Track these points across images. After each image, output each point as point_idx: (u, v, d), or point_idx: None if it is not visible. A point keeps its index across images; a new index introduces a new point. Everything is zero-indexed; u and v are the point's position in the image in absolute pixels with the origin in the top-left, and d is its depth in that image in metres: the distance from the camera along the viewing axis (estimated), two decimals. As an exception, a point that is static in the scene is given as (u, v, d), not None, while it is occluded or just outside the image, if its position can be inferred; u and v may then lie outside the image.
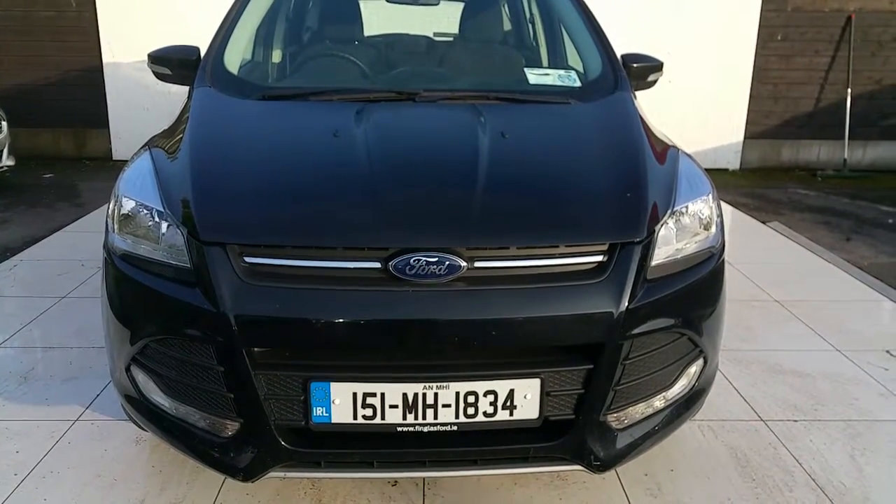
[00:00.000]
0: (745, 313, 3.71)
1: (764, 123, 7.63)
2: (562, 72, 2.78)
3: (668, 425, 1.99)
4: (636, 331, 1.79)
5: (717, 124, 7.55)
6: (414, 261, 1.71)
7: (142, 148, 2.36)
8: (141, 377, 1.96)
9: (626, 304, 1.77)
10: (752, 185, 7.07)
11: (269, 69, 3.27)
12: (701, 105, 7.44)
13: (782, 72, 7.52)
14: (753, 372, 3.08)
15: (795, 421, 2.70)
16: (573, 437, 1.81)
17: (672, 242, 1.92)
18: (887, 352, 3.29)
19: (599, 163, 2.11)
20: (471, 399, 1.75)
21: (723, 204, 6.10)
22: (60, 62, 7.36)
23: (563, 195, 1.97)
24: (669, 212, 1.94)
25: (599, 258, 1.80)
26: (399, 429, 1.76)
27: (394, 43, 3.44)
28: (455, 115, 2.39)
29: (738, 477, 2.36)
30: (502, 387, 1.75)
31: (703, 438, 2.57)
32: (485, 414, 1.76)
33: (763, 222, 5.61)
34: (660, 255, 1.87)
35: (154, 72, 2.83)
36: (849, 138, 7.41)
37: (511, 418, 1.78)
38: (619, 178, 2.02)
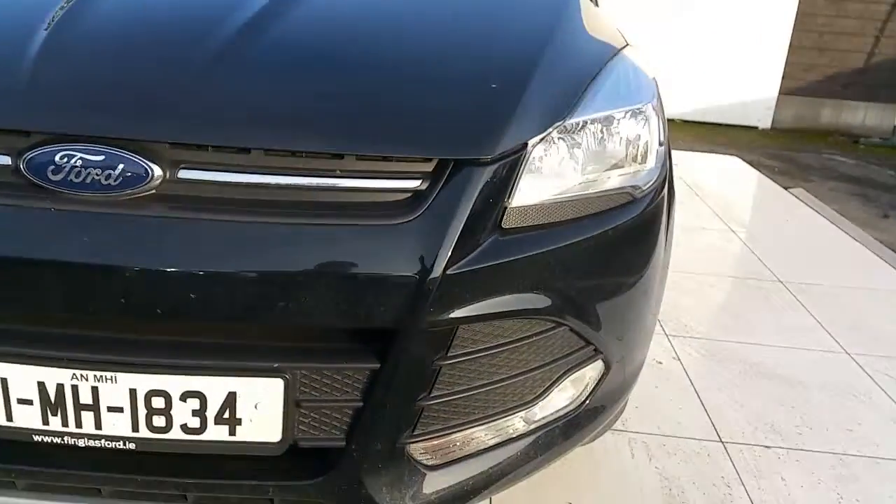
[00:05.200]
0: (737, 293, 2.94)
1: (803, 78, 6.63)
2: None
3: (529, 461, 1.25)
4: (462, 312, 1.04)
5: (748, 75, 6.54)
6: (63, 157, 0.97)
7: None
8: None
9: (445, 264, 1.02)
10: (780, 146, 6.13)
11: None
12: (731, 50, 6.44)
13: (831, 18, 6.48)
14: (728, 371, 2.31)
15: (768, 447, 1.95)
16: (341, 474, 1.09)
17: (566, 172, 1.15)
18: (913, 359, 2.50)
19: (459, 33, 1.32)
20: (157, 402, 1.02)
21: (740, 162, 5.38)
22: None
23: (371, 72, 1.17)
24: (566, 120, 1.16)
25: (414, 183, 1.04)
26: (37, 437, 1.05)
27: None
28: None
29: (664, 528, 1.63)
30: (214, 387, 1.02)
31: (629, 459, 1.84)
32: (185, 428, 1.04)
33: (785, 188, 4.77)
34: (536, 190, 1.11)
35: None
36: (903, 102, 6.43)
37: (234, 439, 1.06)
38: (484, 60, 1.23)
